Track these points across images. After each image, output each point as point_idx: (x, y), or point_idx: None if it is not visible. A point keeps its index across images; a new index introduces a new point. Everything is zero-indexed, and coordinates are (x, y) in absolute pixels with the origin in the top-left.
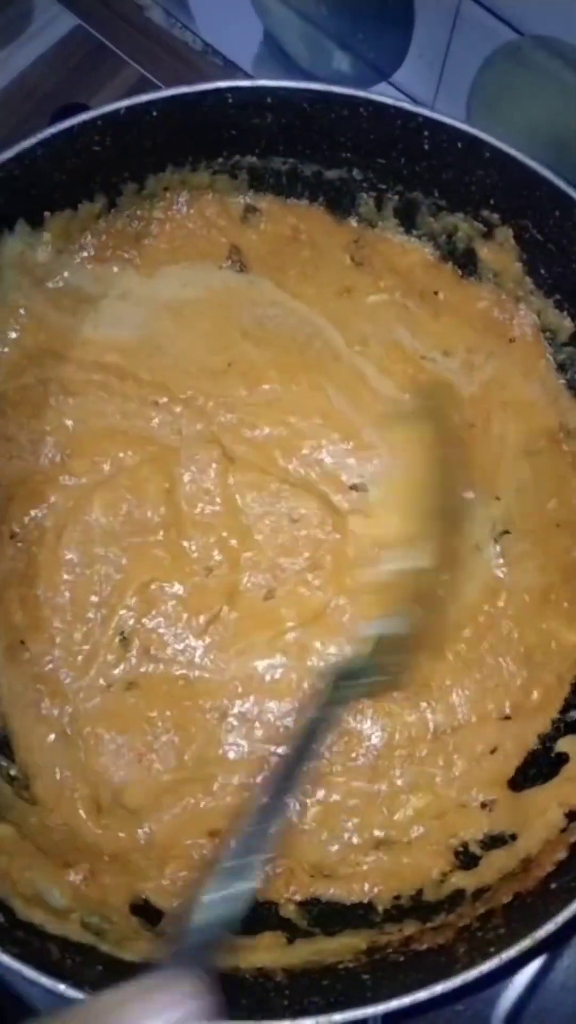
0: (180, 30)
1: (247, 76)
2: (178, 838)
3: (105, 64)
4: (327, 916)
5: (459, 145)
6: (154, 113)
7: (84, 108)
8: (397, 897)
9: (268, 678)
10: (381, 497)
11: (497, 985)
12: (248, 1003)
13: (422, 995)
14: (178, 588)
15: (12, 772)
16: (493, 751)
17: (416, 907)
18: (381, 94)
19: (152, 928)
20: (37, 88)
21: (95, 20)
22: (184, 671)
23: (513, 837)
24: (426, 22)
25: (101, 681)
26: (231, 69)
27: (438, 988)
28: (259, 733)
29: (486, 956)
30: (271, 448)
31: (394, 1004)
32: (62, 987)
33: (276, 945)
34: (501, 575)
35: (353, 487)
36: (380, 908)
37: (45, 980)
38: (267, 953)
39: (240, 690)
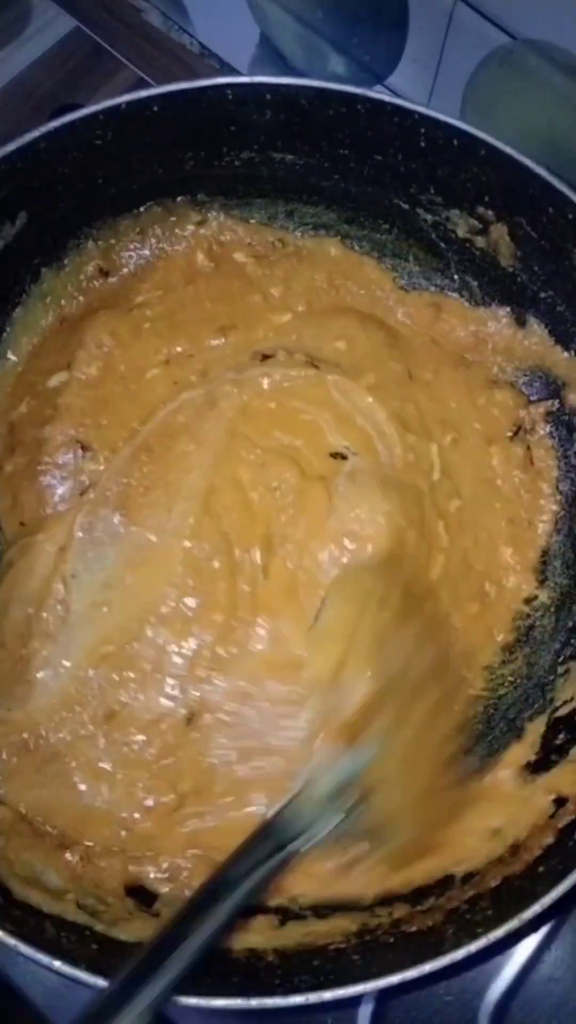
0: (177, 33)
1: None
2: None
3: (102, 66)
4: (320, 900)
5: (455, 142)
6: (155, 108)
7: (78, 109)
8: None
9: None
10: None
11: (485, 977)
12: (239, 981)
13: (411, 973)
14: None
15: None
16: None
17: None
18: None
19: (147, 909)
20: (35, 89)
21: (93, 22)
22: None
23: None
24: (420, 26)
25: None
26: (227, 71)
27: (427, 967)
28: None
29: (474, 936)
30: None
31: (383, 982)
32: (57, 963)
33: (268, 927)
34: None
35: None
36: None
37: (41, 957)
38: (259, 935)
39: None
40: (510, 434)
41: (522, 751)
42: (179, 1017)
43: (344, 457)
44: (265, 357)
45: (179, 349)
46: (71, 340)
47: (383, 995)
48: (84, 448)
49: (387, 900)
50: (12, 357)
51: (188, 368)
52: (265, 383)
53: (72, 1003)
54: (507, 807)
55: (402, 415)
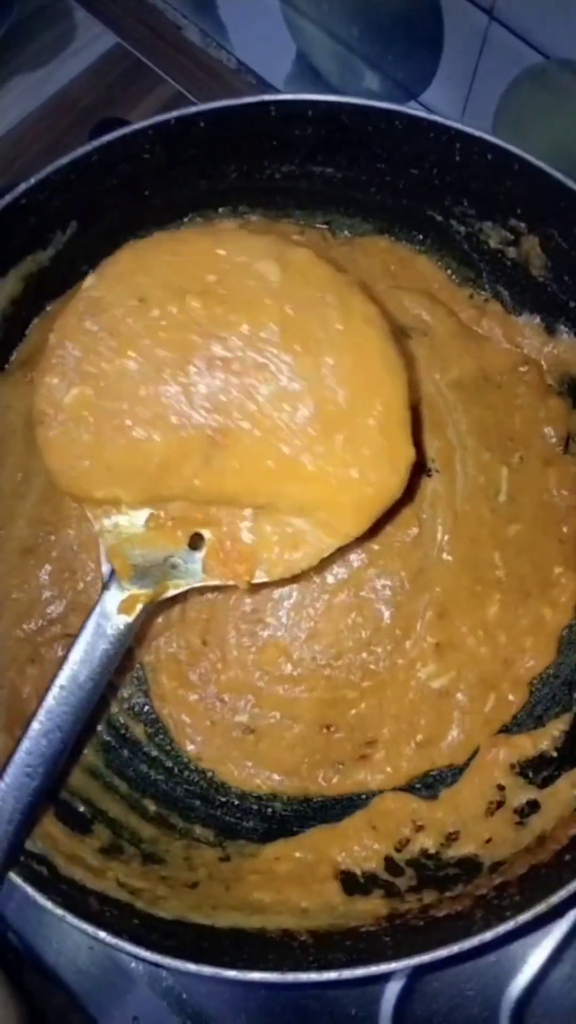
0: (215, 49)
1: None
2: None
3: (142, 81)
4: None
5: (489, 157)
6: (201, 123)
7: (122, 122)
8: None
9: None
10: None
11: (506, 972)
12: (274, 958)
13: (441, 953)
14: None
15: None
16: None
17: (434, 878)
18: None
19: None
20: (77, 103)
21: (134, 39)
22: None
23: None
24: (455, 44)
25: None
26: (263, 87)
27: (456, 947)
28: None
29: (502, 920)
30: None
31: (415, 960)
32: (103, 934)
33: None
34: None
35: None
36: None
37: (87, 927)
38: (291, 916)
39: None
40: (561, 448)
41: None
42: (207, 1000)
43: (429, 473)
44: None
45: None
46: None
47: (407, 984)
48: None
49: (416, 887)
50: None
51: None
52: None
53: (102, 983)
54: None
55: (482, 426)
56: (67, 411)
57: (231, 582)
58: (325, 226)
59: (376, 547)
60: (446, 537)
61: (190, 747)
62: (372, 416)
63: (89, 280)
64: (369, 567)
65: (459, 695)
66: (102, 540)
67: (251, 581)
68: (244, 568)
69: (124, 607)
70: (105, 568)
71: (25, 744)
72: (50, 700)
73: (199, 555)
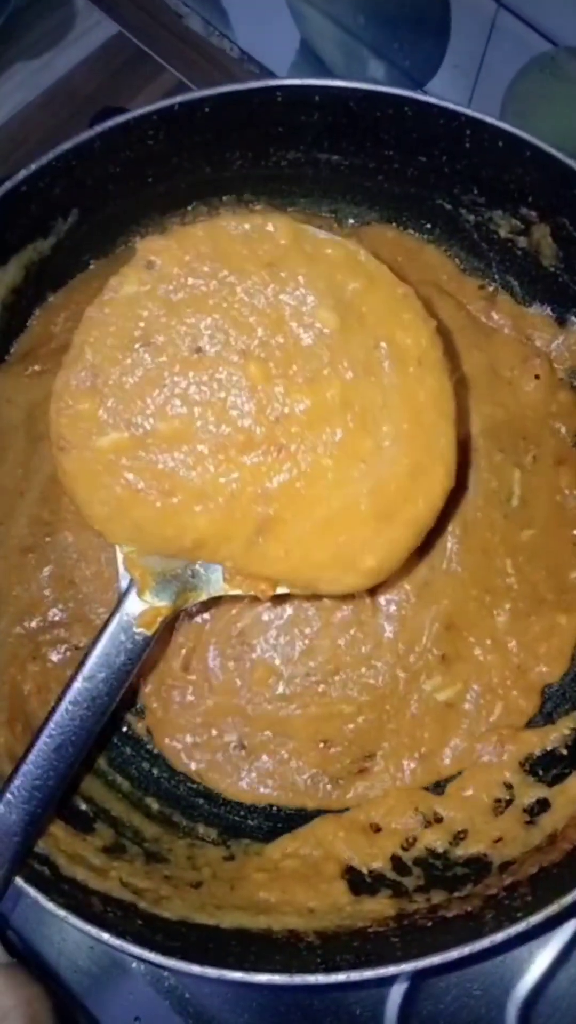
0: (218, 38)
1: None
2: None
3: (144, 69)
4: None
5: (500, 144)
6: (206, 109)
7: (122, 111)
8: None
9: None
10: None
11: (513, 972)
12: (281, 959)
13: (452, 954)
14: None
15: None
16: None
17: (443, 878)
18: None
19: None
20: (78, 91)
21: (135, 27)
22: None
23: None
24: (462, 32)
25: None
26: (267, 76)
27: (467, 949)
28: None
29: (514, 920)
30: None
31: (424, 962)
32: (106, 936)
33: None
34: None
35: None
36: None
37: (90, 929)
38: (298, 917)
39: None
40: (573, 444)
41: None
42: (209, 1000)
43: None
44: None
45: None
46: None
47: (413, 985)
48: None
49: (424, 887)
50: None
51: None
52: None
53: (103, 983)
54: None
55: (493, 424)
56: (98, 454)
57: (253, 593)
58: (331, 215)
59: None
60: (455, 547)
61: (182, 765)
62: (421, 499)
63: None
64: None
65: (466, 705)
66: (119, 548)
67: (274, 593)
68: (267, 581)
69: (144, 621)
70: (124, 580)
71: (33, 757)
72: (61, 714)
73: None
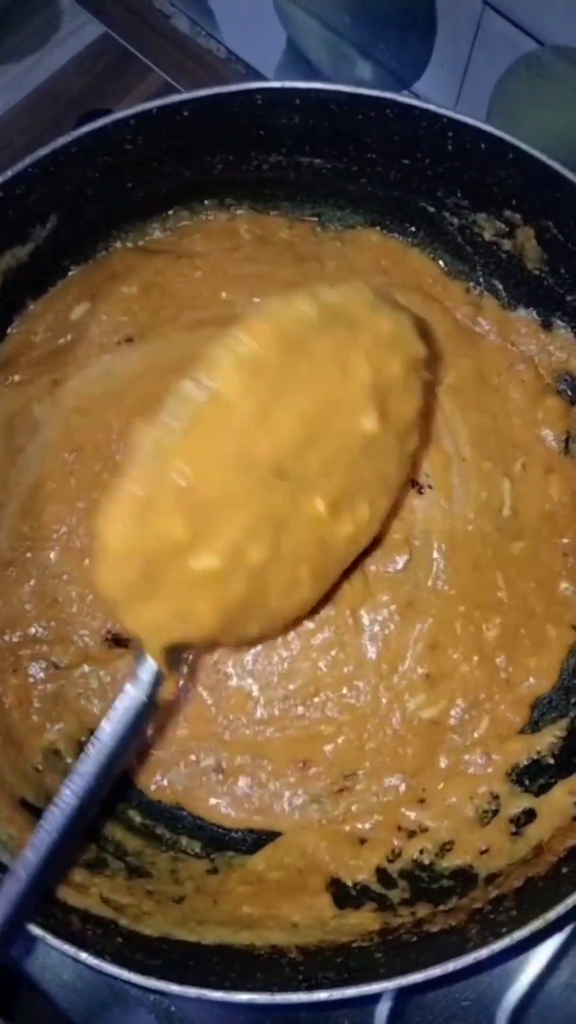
0: (204, 38)
1: None
2: None
3: (130, 71)
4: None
5: (482, 146)
6: (185, 113)
7: (108, 113)
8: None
9: None
10: None
11: (502, 982)
12: (263, 977)
13: (435, 971)
14: None
15: None
16: None
17: (428, 890)
18: None
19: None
20: (63, 94)
21: (121, 28)
22: None
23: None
24: (448, 32)
25: None
26: (254, 76)
27: (451, 965)
28: None
29: (498, 936)
30: None
31: (407, 980)
32: (84, 955)
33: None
34: None
35: None
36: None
37: (68, 948)
38: (281, 932)
39: None
40: (561, 451)
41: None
42: (195, 1013)
43: (421, 490)
44: None
45: (243, 298)
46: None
47: (401, 996)
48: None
49: (410, 900)
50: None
51: None
52: None
53: (86, 996)
54: None
55: (481, 432)
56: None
57: None
58: (315, 219)
59: (360, 580)
60: (442, 564)
61: (153, 787)
62: None
63: None
64: (353, 602)
65: (451, 721)
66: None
67: None
68: None
69: (164, 694)
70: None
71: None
72: (69, 795)
73: None
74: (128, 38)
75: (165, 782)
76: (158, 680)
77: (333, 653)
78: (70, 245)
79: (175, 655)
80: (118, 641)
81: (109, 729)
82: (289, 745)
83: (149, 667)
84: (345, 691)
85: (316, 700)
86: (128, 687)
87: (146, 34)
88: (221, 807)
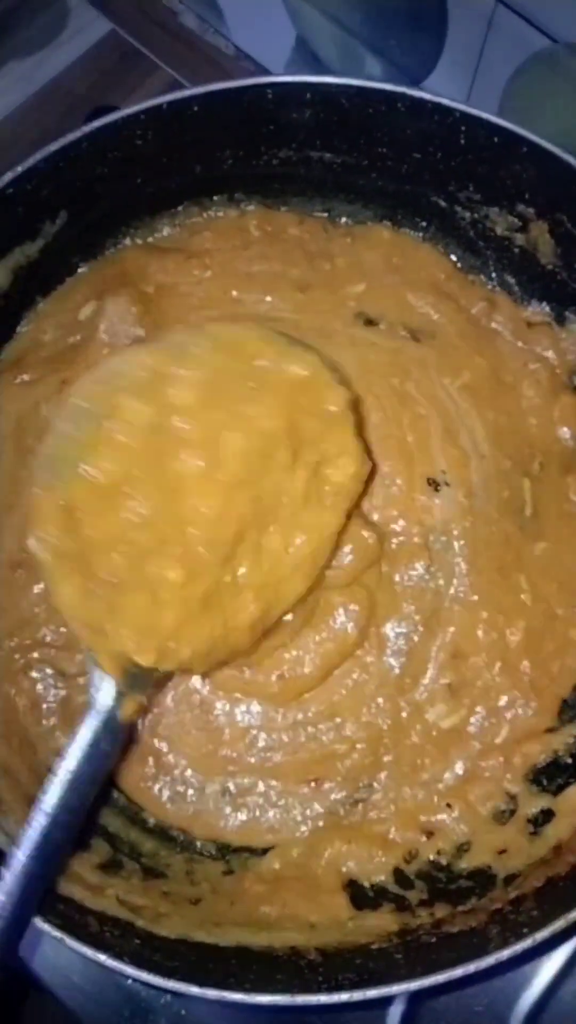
0: (213, 35)
1: None
2: None
3: (138, 68)
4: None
5: (495, 140)
6: (195, 108)
7: (116, 110)
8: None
9: None
10: None
11: (516, 988)
12: (283, 978)
13: (456, 972)
14: None
15: None
16: None
17: (446, 891)
18: None
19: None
20: (71, 91)
21: (129, 25)
22: None
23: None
24: (459, 29)
25: None
26: (262, 74)
27: (472, 967)
28: None
29: (520, 937)
30: None
31: (429, 980)
32: (102, 957)
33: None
34: None
35: None
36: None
37: (86, 950)
38: (299, 933)
39: None
40: None
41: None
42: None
43: (437, 488)
44: (368, 322)
45: (254, 297)
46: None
47: (414, 1000)
48: None
49: (428, 901)
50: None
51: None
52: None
53: (93, 997)
54: None
55: (498, 431)
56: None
57: None
58: (325, 214)
59: (386, 592)
60: (464, 567)
61: (161, 812)
62: None
63: None
64: (372, 620)
65: (471, 728)
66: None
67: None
68: None
69: (124, 715)
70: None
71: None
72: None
73: None
74: (136, 35)
75: (170, 807)
76: (119, 701)
77: (355, 676)
78: (79, 241)
79: (138, 677)
80: None
81: (68, 757)
82: (299, 767)
83: (107, 688)
84: (364, 711)
85: (331, 723)
86: (89, 711)
87: (154, 31)
88: (229, 830)
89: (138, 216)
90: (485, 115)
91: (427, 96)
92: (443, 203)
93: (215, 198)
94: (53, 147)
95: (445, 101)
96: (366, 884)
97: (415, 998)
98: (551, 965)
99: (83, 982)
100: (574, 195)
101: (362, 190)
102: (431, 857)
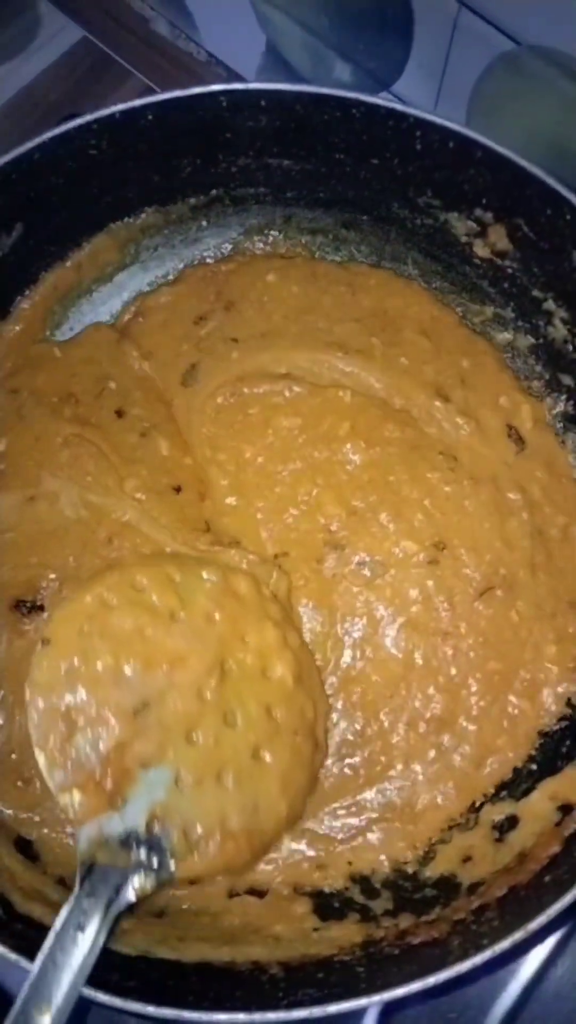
0: (184, 41)
1: None
2: None
3: (110, 75)
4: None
5: (451, 145)
6: (149, 116)
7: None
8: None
9: None
10: None
11: (490, 993)
12: (243, 995)
13: (416, 986)
14: None
15: None
16: None
17: (411, 900)
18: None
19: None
20: (43, 99)
21: (100, 32)
22: None
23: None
24: (425, 33)
25: None
26: (234, 79)
27: (431, 979)
28: None
29: (480, 948)
30: None
31: (388, 995)
32: None
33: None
34: None
35: None
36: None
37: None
38: (262, 947)
39: None
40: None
41: None
42: None
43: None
44: None
45: None
46: None
47: (385, 1011)
48: None
49: (393, 911)
50: None
51: None
52: None
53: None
54: None
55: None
56: None
57: None
58: (285, 221)
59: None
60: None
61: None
62: None
63: None
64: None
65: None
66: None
67: None
68: None
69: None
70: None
71: None
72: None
73: None
74: (108, 42)
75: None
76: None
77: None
78: (39, 252)
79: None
80: None
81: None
82: None
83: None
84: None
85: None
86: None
87: (126, 38)
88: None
89: (99, 223)
90: (440, 120)
91: (380, 102)
92: (403, 209)
93: (176, 204)
94: (5, 158)
95: (399, 107)
96: (331, 892)
97: (387, 1009)
98: (524, 972)
99: None
100: (530, 199)
101: (321, 197)
102: (397, 865)
